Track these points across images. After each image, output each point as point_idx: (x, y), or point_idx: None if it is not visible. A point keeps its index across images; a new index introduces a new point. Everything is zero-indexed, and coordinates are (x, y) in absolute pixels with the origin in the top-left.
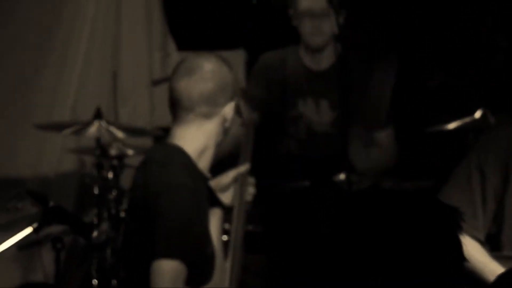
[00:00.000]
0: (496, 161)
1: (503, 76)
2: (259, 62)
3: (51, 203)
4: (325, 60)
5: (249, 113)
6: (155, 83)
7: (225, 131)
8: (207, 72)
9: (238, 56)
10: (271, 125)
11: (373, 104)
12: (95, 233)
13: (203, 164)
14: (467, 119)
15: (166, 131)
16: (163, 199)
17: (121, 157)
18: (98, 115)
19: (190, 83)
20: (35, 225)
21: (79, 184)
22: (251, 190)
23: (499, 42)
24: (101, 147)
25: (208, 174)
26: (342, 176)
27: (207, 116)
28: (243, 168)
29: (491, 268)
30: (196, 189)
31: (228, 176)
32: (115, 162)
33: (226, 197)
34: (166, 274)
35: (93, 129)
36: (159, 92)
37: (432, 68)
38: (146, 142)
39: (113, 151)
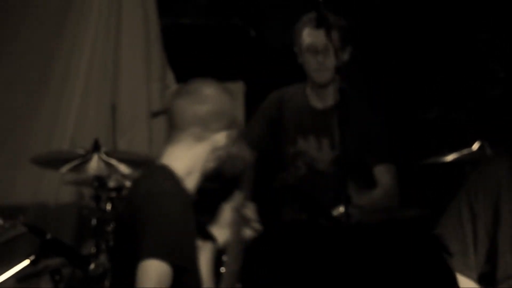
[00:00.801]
0: (486, 199)
1: (500, 107)
2: (264, 101)
3: (48, 236)
4: (330, 98)
5: (248, 153)
6: (154, 115)
7: (215, 159)
8: (204, 95)
9: (237, 88)
10: (269, 160)
11: (372, 140)
12: (92, 265)
13: (189, 186)
14: (464, 151)
15: None
16: (147, 206)
17: (119, 189)
18: (96, 147)
19: (186, 103)
20: (32, 257)
21: (77, 216)
22: (255, 226)
23: (496, 73)
24: (99, 180)
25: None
26: (341, 209)
27: (199, 138)
28: (241, 204)
29: None
30: (181, 196)
31: (225, 212)
32: (113, 194)
33: (221, 235)
34: (152, 274)
35: (92, 162)
36: (157, 124)
37: (430, 101)
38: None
39: (111, 183)
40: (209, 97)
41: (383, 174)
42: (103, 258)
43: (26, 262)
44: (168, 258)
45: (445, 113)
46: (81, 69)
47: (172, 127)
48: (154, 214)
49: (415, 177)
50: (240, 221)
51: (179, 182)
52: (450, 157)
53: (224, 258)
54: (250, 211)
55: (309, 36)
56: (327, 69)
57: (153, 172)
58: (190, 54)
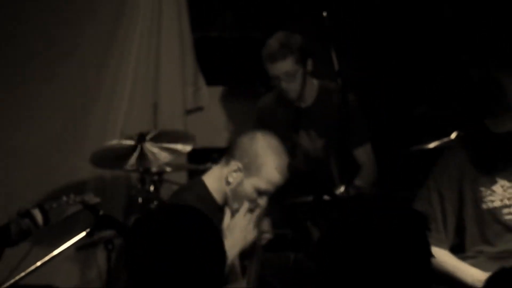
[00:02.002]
0: (451, 184)
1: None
2: (256, 109)
3: (101, 212)
4: (308, 99)
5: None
6: (188, 112)
7: (240, 192)
8: (260, 145)
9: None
10: None
11: (351, 126)
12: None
13: (218, 197)
14: (444, 140)
15: (196, 151)
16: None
17: (160, 173)
18: (141, 139)
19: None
20: (88, 230)
21: (126, 195)
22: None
23: (473, 76)
24: (144, 166)
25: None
26: (341, 189)
27: (240, 169)
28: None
29: (463, 268)
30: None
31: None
32: (155, 177)
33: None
34: None
35: (138, 151)
36: (191, 119)
37: (418, 99)
38: (181, 160)
39: (154, 168)
40: (262, 147)
41: (362, 155)
42: None
43: (83, 234)
44: None
45: (432, 109)
46: (128, 75)
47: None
48: None
49: (404, 163)
50: (259, 230)
51: (209, 198)
52: (432, 145)
53: (246, 262)
54: (265, 224)
55: (270, 70)
56: (293, 90)
57: (188, 185)
58: (217, 62)
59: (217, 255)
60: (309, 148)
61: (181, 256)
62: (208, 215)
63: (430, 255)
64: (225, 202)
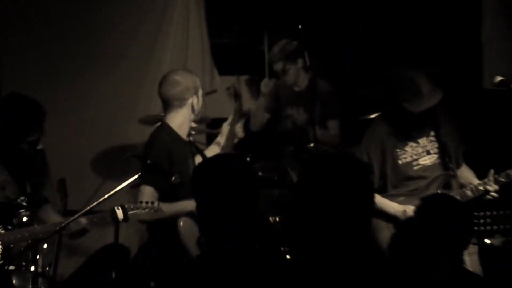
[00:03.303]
0: (376, 148)
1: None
2: (270, 87)
3: (149, 161)
4: (302, 84)
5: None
6: (207, 94)
7: (195, 112)
8: (175, 81)
9: (256, 78)
10: (272, 119)
11: (326, 105)
12: (173, 178)
13: (182, 132)
14: (375, 114)
15: (214, 120)
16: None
17: (189, 135)
18: None
19: (165, 88)
20: (139, 173)
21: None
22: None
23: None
24: None
25: (187, 138)
26: (311, 145)
27: (180, 106)
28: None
29: (386, 203)
30: (169, 144)
31: (224, 127)
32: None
33: (222, 141)
34: (145, 193)
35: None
36: (208, 99)
37: (362, 85)
38: (202, 126)
39: None
40: (177, 81)
41: (332, 126)
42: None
43: (136, 176)
44: (153, 184)
45: (370, 93)
46: (164, 70)
47: (164, 103)
48: (149, 152)
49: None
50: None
51: (175, 134)
52: (374, 115)
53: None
54: (238, 126)
55: (273, 67)
56: (290, 80)
57: (159, 127)
58: (227, 59)
59: None
60: (297, 118)
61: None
62: (175, 144)
63: (374, 190)
64: (189, 134)
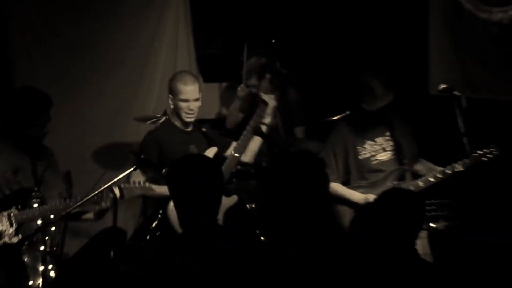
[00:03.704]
0: (340, 146)
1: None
2: (245, 91)
3: (142, 156)
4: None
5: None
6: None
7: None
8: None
9: (236, 84)
10: (246, 119)
11: (294, 114)
12: (163, 171)
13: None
14: (339, 116)
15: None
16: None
17: (196, 125)
18: (165, 113)
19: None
20: (134, 167)
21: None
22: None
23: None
24: None
25: (189, 128)
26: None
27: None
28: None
29: (349, 192)
30: (162, 138)
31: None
32: None
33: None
34: (134, 175)
35: (162, 120)
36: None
37: (331, 90)
38: None
39: None
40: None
41: (297, 130)
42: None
43: (132, 169)
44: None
45: (338, 97)
46: (158, 76)
47: None
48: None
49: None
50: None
51: (168, 122)
52: (336, 117)
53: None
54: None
55: (247, 84)
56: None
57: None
58: (211, 68)
59: None
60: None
61: None
62: (170, 137)
63: (328, 182)
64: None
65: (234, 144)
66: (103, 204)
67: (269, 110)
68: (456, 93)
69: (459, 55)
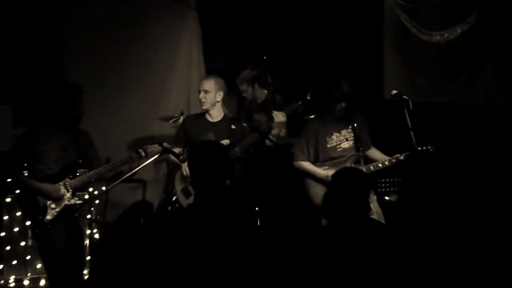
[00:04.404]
0: (311, 135)
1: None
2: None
3: (165, 145)
4: (261, 98)
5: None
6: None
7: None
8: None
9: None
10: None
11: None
12: (181, 156)
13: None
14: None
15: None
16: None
17: (224, 119)
18: (182, 113)
19: None
20: (159, 154)
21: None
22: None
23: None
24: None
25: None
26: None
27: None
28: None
29: (316, 169)
30: (189, 127)
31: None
32: None
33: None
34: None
35: (181, 119)
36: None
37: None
38: None
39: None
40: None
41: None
42: (185, 154)
43: (157, 155)
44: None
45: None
46: (176, 83)
47: None
48: None
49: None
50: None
51: (202, 115)
52: (311, 116)
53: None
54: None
55: (239, 88)
56: (247, 96)
57: None
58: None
59: None
60: (259, 119)
61: None
62: (198, 126)
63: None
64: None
65: (250, 137)
66: (134, 162)
67: (276, 125)
68: (405, 97)
69: (407, 68)
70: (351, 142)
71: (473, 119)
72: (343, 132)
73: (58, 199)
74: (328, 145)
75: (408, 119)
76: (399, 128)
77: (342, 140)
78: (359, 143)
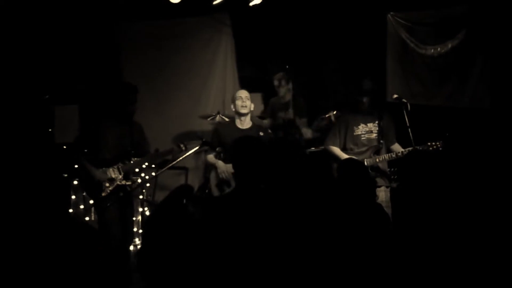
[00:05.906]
0: (342, 125)
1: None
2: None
3: (204, 139)
4: (286, 98)
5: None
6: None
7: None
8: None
9: (257, 96)
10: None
11: (300, 111)
12: (217, 149)
13: (239, 123)
14: (338, 111)
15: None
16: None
17: (254, 125)
18: (218, 112)
19: None
20: (199, 146)
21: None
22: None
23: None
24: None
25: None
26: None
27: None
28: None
29: (342, 154)
30: (221, 130)
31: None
32: None
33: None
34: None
35: (217, 118)
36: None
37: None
38: None
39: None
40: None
41: (302, 121)
42: (220, 148)
43: (197, 147)
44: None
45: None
46: (214, 87)
47: None
48: None
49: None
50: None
51: (231, 122)
52: (327, 115)
53: None
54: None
55: (274, 83)
56: (280, 92)
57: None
58: (245, 84)
59: None
60: (284, 117)
61: None
62: (228, 131)
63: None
64: (248, 127)
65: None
66: (176, 154)
67: (304, 138)
68: (404, 100)
69: (405, 76)
70: (375, 134)
71: (461, 119)
72: (369, 125)
73: (107, 180)
74: (354, 133)
75: (407, 119)
76: (399, 126)
77: (368, 131)
78: (382, 137)
